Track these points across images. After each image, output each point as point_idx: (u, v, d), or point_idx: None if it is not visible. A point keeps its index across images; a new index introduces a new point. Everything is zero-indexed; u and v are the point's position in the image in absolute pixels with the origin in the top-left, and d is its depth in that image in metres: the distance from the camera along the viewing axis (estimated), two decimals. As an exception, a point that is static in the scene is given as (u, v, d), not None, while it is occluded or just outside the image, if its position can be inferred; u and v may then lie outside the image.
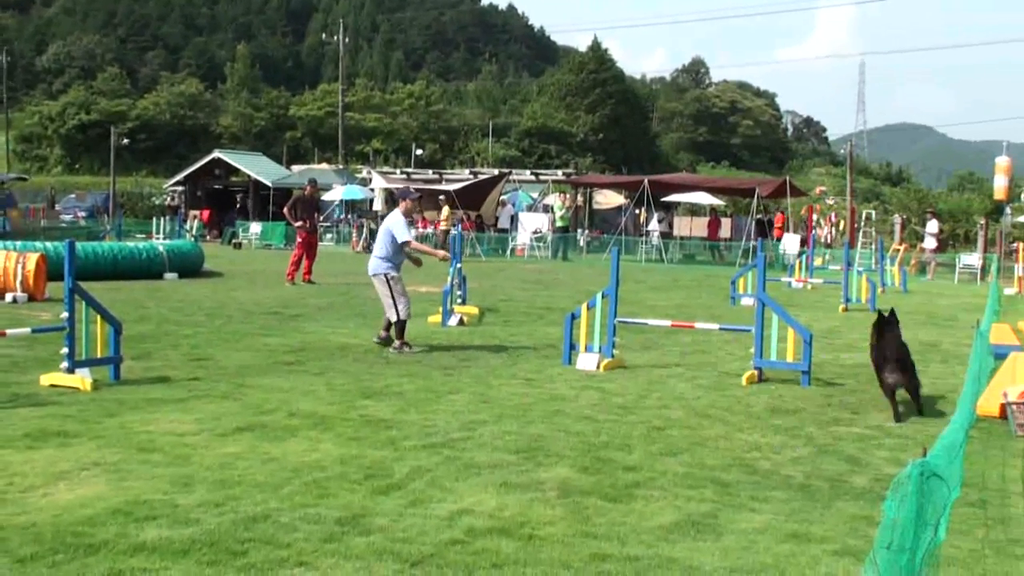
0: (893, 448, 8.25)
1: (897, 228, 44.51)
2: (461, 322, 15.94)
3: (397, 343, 12.97)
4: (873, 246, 34.36)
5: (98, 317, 10.27)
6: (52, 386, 9.78)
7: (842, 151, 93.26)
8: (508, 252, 40.02)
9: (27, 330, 11.65)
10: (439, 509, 6.22)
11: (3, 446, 7.42)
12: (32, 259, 18.24)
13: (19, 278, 17.85)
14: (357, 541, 5.57)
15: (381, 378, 10.86)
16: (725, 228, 42.55)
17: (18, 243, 22.81)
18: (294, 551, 5.38)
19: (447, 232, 37.63)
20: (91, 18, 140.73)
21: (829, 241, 43.96)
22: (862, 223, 41.73)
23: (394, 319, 13.08)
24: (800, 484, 7.08)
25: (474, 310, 17.21)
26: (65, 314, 9.99)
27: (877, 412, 9.78)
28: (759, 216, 39.92)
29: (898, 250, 33.78)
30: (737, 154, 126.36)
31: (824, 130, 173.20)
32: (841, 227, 45.51)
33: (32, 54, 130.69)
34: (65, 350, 9.88)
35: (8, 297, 17.64)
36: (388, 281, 13.17)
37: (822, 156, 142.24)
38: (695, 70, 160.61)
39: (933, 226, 35.17)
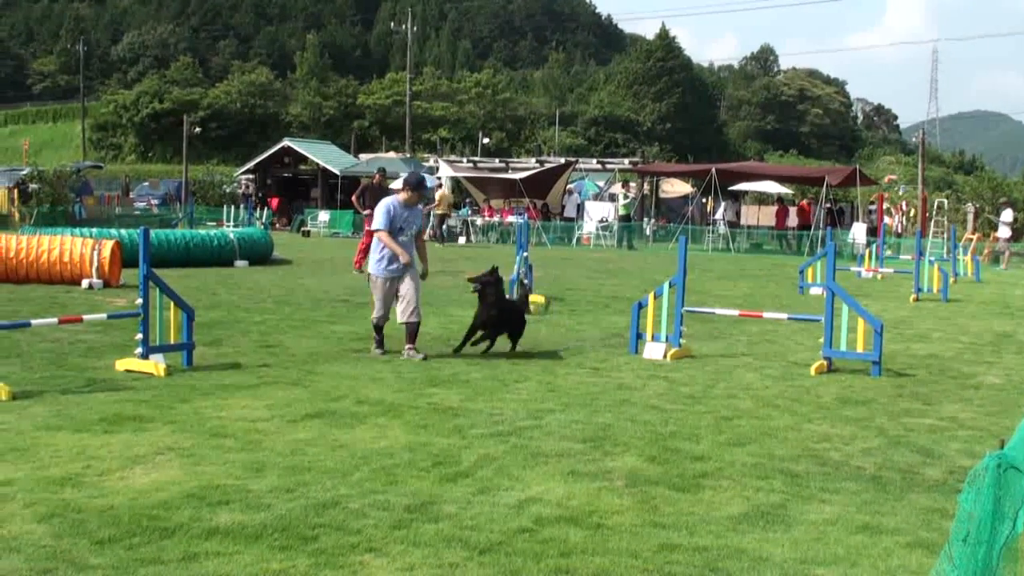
0: (967, 440, 8.13)
1: (970, 217, 43.77)
2: (528, 311, 15.94)
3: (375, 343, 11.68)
4: (945, 235, 33.81)
5: (171, 303, 10.43)
6: (127, 371, 9.96)
7: (913, 139, 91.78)
8: (574, 241, 39.97)
9: (103, 316, 11.87)
10: (507, 497, 6.25)
11: (81, 430, 7.58)
12: (107, 246, 18.58)
13: (95, 264, 18.19)
14: (426, 528, 5.62)
15: (448, 366, 10.91)
16: (793, 217, 42.11)
17: (94, 230, 23.25)
18: (364, 537, 5.44)
19: (443, 217, 37.68)
20: (165, 8, 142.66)
21: (900, 230, 43.34)
22: (934, 212, 41.08)
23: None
24: (871, 475, 7.01)
25: (540, 299, 17.18)
26: (139, 300, 10.16)
27: (950, 404, 9.64)
28: (828, 205, 39.47)
29: (971, 239, 33.22)
30: (806, 142, 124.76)
31: (895, 118, 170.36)
32: (912, 215, 44.83)
33: (108, 44, 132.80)
34: (139, 336, 10.05)
35: (84, 283, 17.99)
36: (368, 281, 11.92)
37: (893, 144, 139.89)
38: (764, 58, 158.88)
39: (1008, 215, 34.49)
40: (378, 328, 11.69)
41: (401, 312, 11.50)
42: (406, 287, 11.52)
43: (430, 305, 16.17)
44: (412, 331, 11.52)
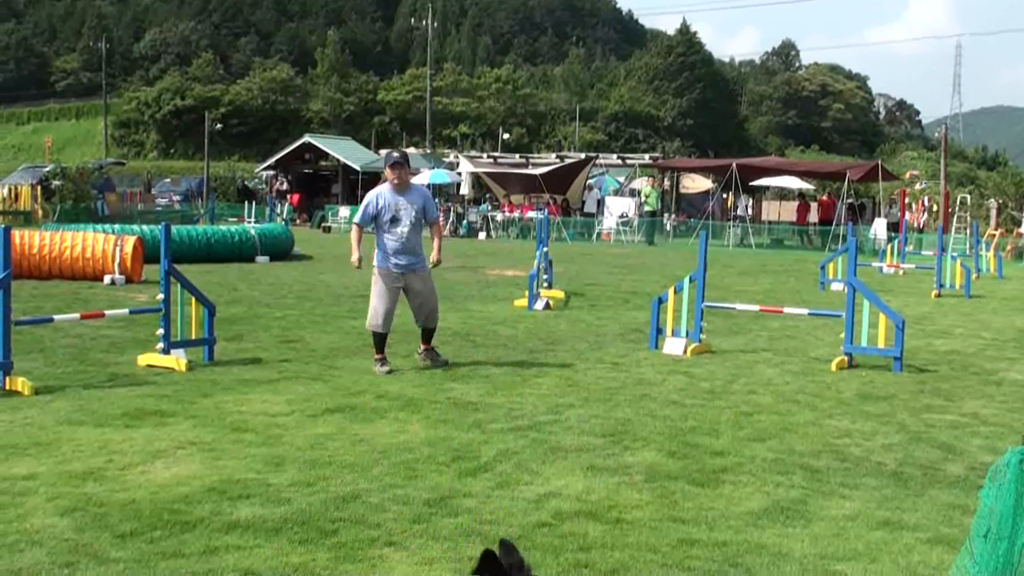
0: (989, 436, 8.08)
1: (993, 213, 43.48)
2: (547, 306, 15.95)
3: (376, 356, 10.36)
4: (967, 231, 33.64)
5: (193, 299, 10.48)
6: (149, 366, 10.01)
7: (936, 134, 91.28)
8: (594, 236, 39.93)
9: (125, 311, 11.93)
10: (526, 492, 6.25)
11: (103, 424, 7.63)
12: (129, 242, 18.68)
13: (117, 260, 18.29)
14: (445, 522, 5.63)
15: (468, 361, 10.91)
16: (814, 213, 41.93)
17: (116, 226, 23.37)
18: (384, 531, 5.45)
19: None
20: (186, 5, 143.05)
21: (921, 226, 43.10)
22: (956, 208, 40.85)
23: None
24: (892, 471, 6.98)
25: (560, 294, 17.21)
26: (161, 296, 10.22)
27: (972, 400, 9.59)
28: (849, 200, 39.29)
29: (993, 235, 33.02)
30: (827, 138, 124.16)
31: (917, 113, 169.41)
32: (935, 209, 44.57)
33: (130, 41, 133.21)
34: (161, 331, 10.10)
35: (107, 279, 18.08)
36: (373, 276, 10.69)
37: (915, 140, 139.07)
38: (785, 53, 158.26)
39: (1031, 211, 34.30)
40: (379, 340, 10.36)
41: (426, 318, 10.56)
42: (424, 293, 10.56)
43: (449, 300, 16.16)
44: (431, 335, 10.71)
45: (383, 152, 57.80)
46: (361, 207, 10.57)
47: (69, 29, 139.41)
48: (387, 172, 10.58)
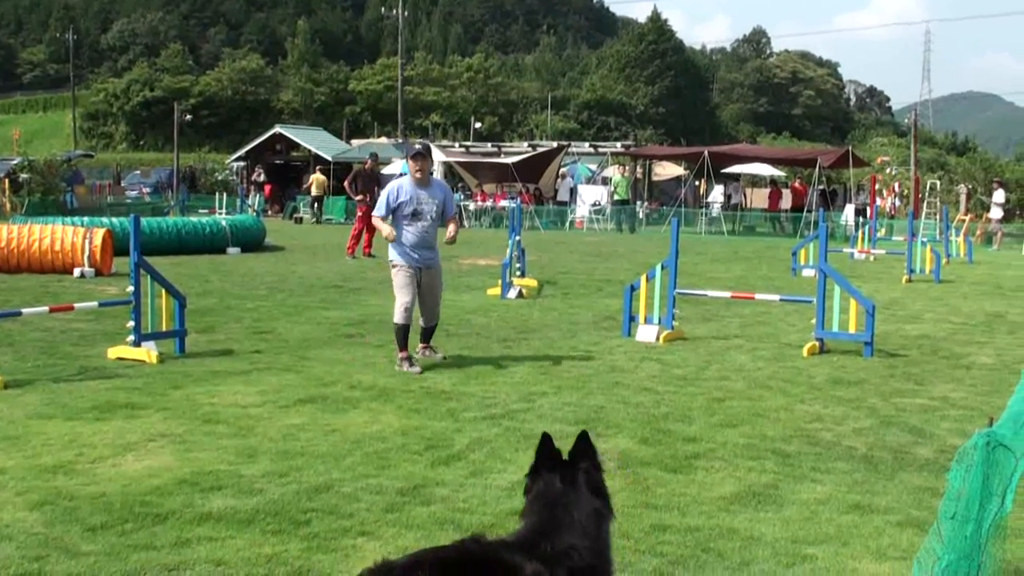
0: (958, 419, 8.15)
1: (963, 198, 43.72)
2: (520, 295, 15.96)
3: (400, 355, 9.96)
4: (938, 216, 33.85)
5: (163, 291, 10.42)
6: (119, 359, 9.95)
7: (906, 121, 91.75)
8: (567, 224, 39.95)
9: (95, 304, 11.86)
10: (499, 479, 6.25)
11: (73, 418, 7.58)
12: (99, 235, 18.55)
13: (86, 253, 18.17)
14: (418, 511, 5.63)
15: (441, 350, 10.89)
16: (787, 199, 42.10)
17: (85, 219, 23.19)
18: (356, 521, 5.44)
19: (319, 199, 40.46)
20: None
21: (892, 212, 43.32)
22: (926, 193, 41.09)
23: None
24: (863, 455, 7.03)
25: (533, 283, 17.21)
26: (131, 288, 10.15)
27: (941, 383, 9.67)
28: (821, 187, 39.46)
29: (963, 220, 33.23)
30: (798, 124, 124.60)
31: (888, 100, 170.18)
32: (904, 193, 44.80)
33: (98, 32, 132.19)
34: (131, 323, 10.04)
35: (76, 272, 17.96)
36: (391, 270, 10.30)
37: (885, 126, 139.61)
38: (756, 40, 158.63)
39: (1000, 196, 34.48)
40: (404, 333, 9.96)
41: (428, 315, 10.39)
42: (433, 290, 10.34)
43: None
44: (431, 333, 10.55)
45: (355, 142, 57.77)
46: (381, 200, 10.18)
47: (35, 20, 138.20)
48: (409, 163, 10.33)
